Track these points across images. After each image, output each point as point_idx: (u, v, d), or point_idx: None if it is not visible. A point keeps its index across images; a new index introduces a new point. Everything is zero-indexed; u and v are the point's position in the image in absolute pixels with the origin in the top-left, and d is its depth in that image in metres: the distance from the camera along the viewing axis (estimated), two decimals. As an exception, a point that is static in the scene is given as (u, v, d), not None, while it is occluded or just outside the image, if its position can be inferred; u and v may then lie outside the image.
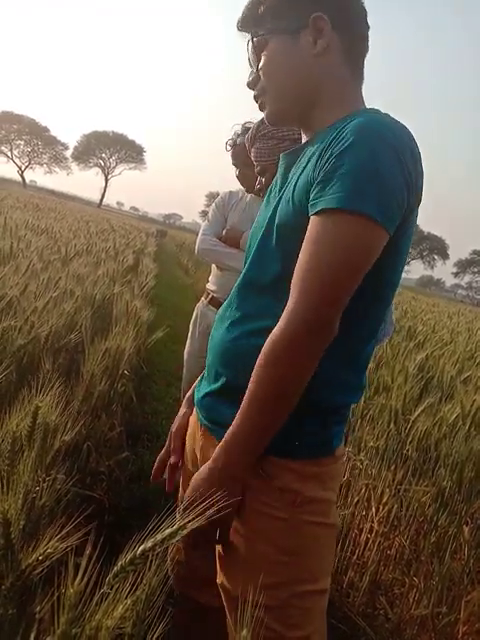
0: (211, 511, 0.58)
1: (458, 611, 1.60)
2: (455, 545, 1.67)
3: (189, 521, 0.60)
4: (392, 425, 2.04)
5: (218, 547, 0.90)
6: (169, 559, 1.09)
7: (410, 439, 1.98)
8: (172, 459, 1.06)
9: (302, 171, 0.81)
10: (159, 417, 3.22)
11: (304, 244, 0.75)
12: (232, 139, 2.03)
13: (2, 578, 0.65)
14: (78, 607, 0.54)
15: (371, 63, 0.90)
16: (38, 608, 0.64)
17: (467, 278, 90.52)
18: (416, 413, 2.03)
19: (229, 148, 2.06)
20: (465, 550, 1.70)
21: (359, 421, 2.27)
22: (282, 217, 0.83)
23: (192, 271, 12.78)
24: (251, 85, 0.92)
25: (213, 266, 2.20)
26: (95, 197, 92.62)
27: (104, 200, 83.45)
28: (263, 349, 0.75)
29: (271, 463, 0.83)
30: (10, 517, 0.68)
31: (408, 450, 1.98)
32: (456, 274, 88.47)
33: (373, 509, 1.94)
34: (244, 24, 0.89)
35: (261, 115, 1.37)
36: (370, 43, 0.89)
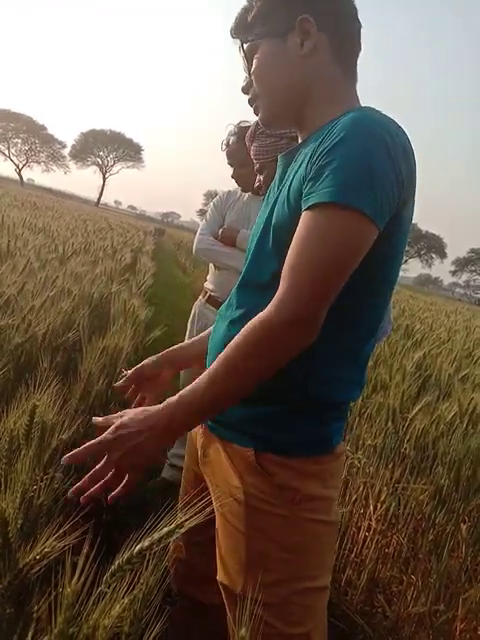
0: (208, 509, 0.58)
1: (456, 609, 1.60)
2: (453, 543, 1.67)
3: (187, 519, 0.60)
4: (390, 423, 2.04)
5: (218, 545, 0.90)
6: (170, 559, 1.09)
7: (408, 437, 1.99)
8: (120, 383, 1.06)
9: (297, 171, 0.82)
10: (157, 416, 3.22)
11: (295, 237, 0.75)
12: (227, 139, 2.03)
13: (0, 577, 0.65)
14: (75, 606, 0.53)
15: (369, 63, 0.91)
16: (35, 607, 0.64)
17: (465, 276, 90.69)
18: (414, 411, 2.03)
19: (224, 148, 2.05)
20: (462, 548, 1.70)
21: (357, 419, 2.27)
22: (278, 218, 0.83)
23: (190, 270, 12.77)
24: (245, 90, 0.94)
25: (211, 265, 2.20)
26: (93, 196, 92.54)
27: (102, 199, 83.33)
28: (243, 332, 0.74)
29: (270, 461, 0.83)
30: (8, 516, 0.68)
31: (406, 448, 1.99)
32: (454, 273, 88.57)
33: (371, 507, 1.94)
34: (236, 31, 0.91)
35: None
36: (368, 42, 0.89)
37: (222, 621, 0.90)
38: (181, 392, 0.77)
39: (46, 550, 0.63)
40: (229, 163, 2.08)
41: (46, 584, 0.65)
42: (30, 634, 0.59)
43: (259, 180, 1.43)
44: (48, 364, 1.73)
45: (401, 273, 0.90)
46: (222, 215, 2.15)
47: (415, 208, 0.84)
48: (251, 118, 1.62)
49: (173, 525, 0.58)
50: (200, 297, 2.24)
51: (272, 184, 0.96)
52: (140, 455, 0.75)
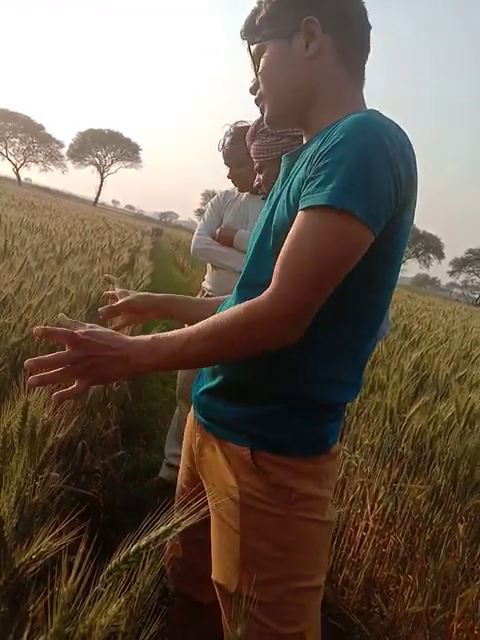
0: (204, 509, 0.58)
1: (453, 608, 1.60)
2: (450, 543, 1.67)
3: (184, 519, 0.60)
4: (387, 423, 2.04)
5: (214, 544, 0.90)
6: (165, 556, 1.09)
7: (405, 437, 1.99)
8: (104, 309, 1.03)
9: (297, 172, 0.82)
10: (154, 415, 3.22)
11: (289, 236, 0.75)
12: (224, 139, 2.03)
13: (-5, 577, 0.65)
14: (71, 606, 0.53)
15: (375, 65, 0.90)
16: (31, 607, 0.63)
17: (462, 277, 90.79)
18: (411, 411, 2.03)
19: (222, 148, 2.05)
20: (460, 548, 1.70)
21: (354, 419, 2.27)
22: (279, 219, 0.83)
23: (188, 269, 12.77)
24: (252, 90, 0.95)
25: (208, 265, 2.20)
26: (91, 195, 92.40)
27: (100, 198, 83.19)
28: (238, 312, 0.75)
29: (266, 460, 0.83)
30: (3, 515, 0.67)
31: (403, 448, 1.99)
32: (451, 273, 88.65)
33: (368, 507, 1.94)
34: (245, 33, 0.92)
35: (257, 116, 1.36)
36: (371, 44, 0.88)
37: (219, 620, 0.90)
38: (170, 335, 0.77)
39: (42, 549, 0.63)
40: (226, 163, 2.08)
41: (42, 583, 0.64)
42: (26, 634, 0.59)
43: (259, 179, 1.43)
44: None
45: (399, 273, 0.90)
46: (220, 215, 2.16)
47: (413, 208, 0.84)
48: (249, 119, 1.62)
49: (170, 524, 0.58)
50: (198, 296, 2.24)
51: (275, 184, 0.97)
52: (104, 370, 0.75)
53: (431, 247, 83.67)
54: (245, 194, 2.13)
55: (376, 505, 1.92)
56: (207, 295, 2.14)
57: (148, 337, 0.78)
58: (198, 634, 1.12)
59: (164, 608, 0.75)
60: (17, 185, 49.54)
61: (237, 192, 2.16)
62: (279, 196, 0.87)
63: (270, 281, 0.82)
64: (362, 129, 0.74)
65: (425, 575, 1.69)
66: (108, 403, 2.22)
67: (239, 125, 1.99)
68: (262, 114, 0.95)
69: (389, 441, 2.01)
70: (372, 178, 0.71)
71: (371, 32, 0.88)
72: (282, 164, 0.94)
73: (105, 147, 77.58)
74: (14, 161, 73.17)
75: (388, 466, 1.97)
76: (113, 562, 0.59)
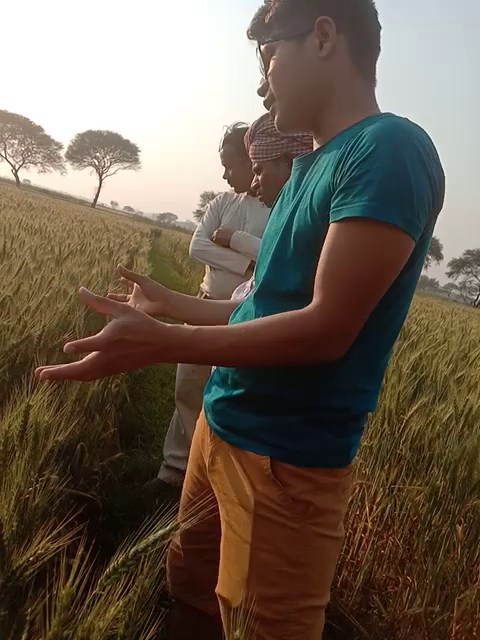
0: (203, 512, 0.58)
1: (451, 610, 1.60)
2: (448, 544, 1.67)
3: (183, 521, 0.60)
4: (386, 425, 2.04)
5: (221, 555, 0.87)
6: (168, 564, 1.07)
7: (404, 439, 1.99)
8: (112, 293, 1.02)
9: (319, 178, 0.79)
10: (153, 417, 3.21)
11: (329, 250, 0.73)
12: (223, 140, 2.05)
13: (-6, 580, 0.65)
14: (70, 608, 0.53)
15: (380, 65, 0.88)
16: (29, 610, 0.63)
17: (461, 278, 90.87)
18: (410, 413, 2.03)
19: (221, 149, 2.07)
20: (458, 549, 1.70)
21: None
22: (300, 226, 0.80)
23: (187, 271, 12.76)
24: (261, 92, 0.92)
25: (207, 266, 2.20)
26: (89, 197, 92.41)
27: (98, 200, 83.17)
28: (278, 322, 0.72)
29: (286, 471, 0.81)
30: (2, 518, 0.67)
31: (402, 450, 1.99)
32: (450, 274, 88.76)
33: (367, 508, 1.94)
34: (253, 32, 0.89)
35: (256, 117, 1.36)
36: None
37: (219, 632, 0.88)
38: (201, 332, 0.73)
39: (40, 552, 0.63)
40: (223, 164, 2.09)
41: (40, 586, 0.64)
42: (24, 637, 0.59)
43: (257, 180, 1.43)
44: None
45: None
46: (218, 217, 2.16)
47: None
48: (249, 120, 1.62)
49: (168, 527, 0.58)
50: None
51: (285, 189, 0.94)
52: (131, 363, 0.70)
53: (430, 248, 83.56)
54: (243, 196, 2.14)
55: (375, 506, 1.92)
56: (205, 296, 2.15)
57: (184, 334, 0.72)
58: None
59: (163, 611, 0.75)
60: (16, 186, 49.49)
61: (236, 194, 2.17)
62: (297, 202, 0.83)
63: (295, 291, 0.79)
64: (394, 136, 0.71)
65: (424, 576, 1.69)
66: (106, 405, 2.21)
67: (238, 127, 2.00)
68: (272, 117, 0.91)
69: (388, 443, 2.02)
70: (410, 186, 0.69)
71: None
72: (294, 168, 0.92)
73: (104, 148, 77.54)
74: (13, 162, 73.15)
75: (387, 467, 1.97)
76: (112, 565, 0.59)
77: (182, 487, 1.09)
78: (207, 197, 76.19)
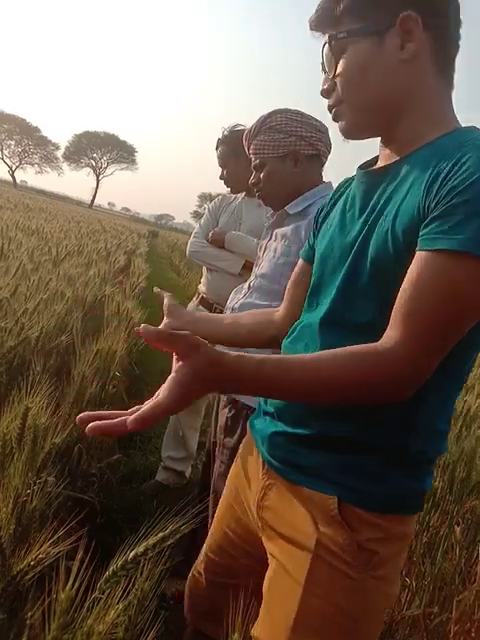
0: (202, 515, 0.58)
1: (450, 611, 1.60)
2: (447, 545, 1.68)
3: (182, 525, 0.60)
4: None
5: (265, 595, 0.81)
6: (187, 589, 1.01)
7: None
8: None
9: (403, 198, 0.71)
10: (151, 418, 3.20)
11: (413, 280, 0.66)
12: (221, 140, 2.05)
13: (-8, 583, 0.65)
14: (69, 612, 0.53)
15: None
16: (29, 613, 0.63)
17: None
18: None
19: (218, 149, 2.08)
20: (456, 550, 1.70)
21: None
22: (379, 252, 0.72)
23: (184, 272, 12.75)
24: (326, 93, 0.80)
25: (204, 268, 2.21)
26: (86, 198, 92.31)
27: (95, 201, 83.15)
28: (354, 361, 0.66)
29: (355, 515, 0.74)
30: (0, 522, 0.67)
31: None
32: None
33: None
34: (319, 24, 0.77)
35: (256, 117, 1.36)
36: None
37: None
38: (271, 374, 0.64)
39: (40, 556, 0.63)
40: (220, 165, 2.11)
41: (40, 590, 0.64)
42: (23, 641, 0.59)
43: (256, 177, 1.42)
44: (41, 367, 1.72)
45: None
46: (216, 219, 2.17)
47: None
48: (248, 122, 1.62)
49: (168, 531, 0.58)
50: (193, 299, 2.25)
51: (345, 204, 0.84)
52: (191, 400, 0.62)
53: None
54: (241, 196, 2.14)
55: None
56: (202, 297, 2.15)
57: (249, 367, 0.64)
58: None
59: (162, 614, 0.75)
60: (13, 187, 49.44)
61: (234, 196, 2.18)
62: (370, 221, 0.75)
63: (370, 322, 0.73)
64: None
65: (422, 578, 1.69)
66: (104, 407, 2.21)
67: (236, 128, 2.00)
68: (336, 121, 0.81)
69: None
70: None
71: None
72: (358, 181, 0.82)
73: (101, 149, 77.52)
74: (10, 163, 73.08)
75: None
76: (111, 569, 0.59)
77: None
78: (205, 198, 76.23)
